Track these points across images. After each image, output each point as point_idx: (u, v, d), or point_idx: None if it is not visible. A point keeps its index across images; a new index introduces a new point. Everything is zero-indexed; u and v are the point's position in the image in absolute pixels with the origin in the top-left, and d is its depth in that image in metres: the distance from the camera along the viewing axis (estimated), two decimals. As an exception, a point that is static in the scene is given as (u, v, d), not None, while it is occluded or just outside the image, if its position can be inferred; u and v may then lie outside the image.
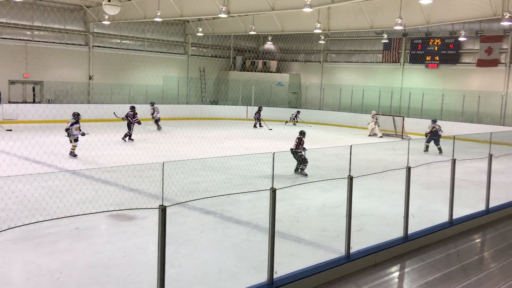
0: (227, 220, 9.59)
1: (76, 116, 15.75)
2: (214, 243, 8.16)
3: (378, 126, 25.88)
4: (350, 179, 6.45)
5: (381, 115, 27.65)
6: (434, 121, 20.74)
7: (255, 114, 28.69)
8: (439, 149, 19.66)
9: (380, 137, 25.42)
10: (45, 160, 14.22)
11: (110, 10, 17.63)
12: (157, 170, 12.62)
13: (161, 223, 4.48)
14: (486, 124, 25.90)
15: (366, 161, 13.15)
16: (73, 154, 15.30)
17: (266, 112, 30.29)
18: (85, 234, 8.24)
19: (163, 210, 4.43)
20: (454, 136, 9.22)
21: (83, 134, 15.57)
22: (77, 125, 15.53)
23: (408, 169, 7.57)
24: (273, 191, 5.52)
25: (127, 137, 19.63)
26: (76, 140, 15.47)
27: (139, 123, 19.99)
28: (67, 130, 15.53)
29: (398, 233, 7.80)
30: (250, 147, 17.83)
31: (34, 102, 26.46)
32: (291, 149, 14.25)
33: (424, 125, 26.66)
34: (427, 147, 20.19)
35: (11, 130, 20.73)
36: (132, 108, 20.22)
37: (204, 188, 11.50)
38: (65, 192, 9.76)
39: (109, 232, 8.62)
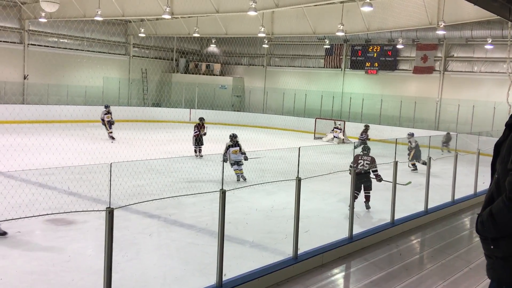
0: (172, 224, 9.42)
1: (234, 138, 14.39)
2: (158, 247, 7.98)
3: (344, 135, 26.34)
4: (299, 180, 6.48)
5: (323, 119, 28.28)
6: (411, 135, 17.68)
7: (362, 134, 23.18)
8: (424, 163, 16.03)
9: (327, 141, 26.04)
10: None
11: (48, 7, 16.86)
12: (96, 172, 12.24)
13: (109, 226, 4.30)
14: (422, 128, 26.98)
15: (310, 164, 13.32)
16: (244, 178, 13.69)
17: (209, 115, 30.10)
18: (21, 239, 7.82)
19: (110, 212, 4.25)
20: (396, 139, 9.52)
21: (246, 158, 13.80)
22: (236, 148, 13.95)
23: (354, 170, 7.72)
24: (223, 193, 5.45)
25: (199, 152, 17.83)
26: (240, 164, 13.80)
27: (203, 134, 18.02)
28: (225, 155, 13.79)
29: (342, 234, 7.93)
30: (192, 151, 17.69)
31: (-37, 101, 24.99)
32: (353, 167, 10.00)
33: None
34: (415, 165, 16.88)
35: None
36: (200, 119, 18.24)
37: (148, 191, 11.25)
38: (-1, 195, 9.23)
39: (47, 237, 8.22)
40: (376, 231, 8.31)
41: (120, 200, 9.87)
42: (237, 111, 33.97)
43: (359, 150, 11.18)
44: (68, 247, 7.56)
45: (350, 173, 9.38)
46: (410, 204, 10.84)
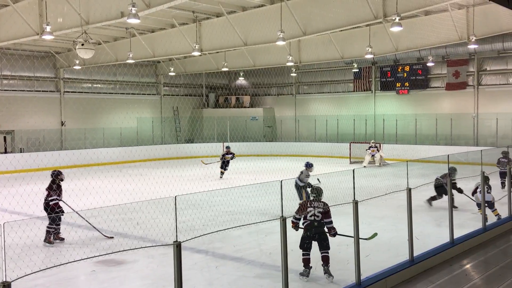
0: (220, 258, 9.28)
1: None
2: (210, 282, 7.84)
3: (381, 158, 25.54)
4: (355, 203, 6.29)
5: (357, 143, 27.93)
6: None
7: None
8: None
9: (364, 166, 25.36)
10: (25, 211, 13.59)
11: (84, 54, 17.37)
12: (137, 211, 12.19)
13: (177, 260, 4.21)
14: (460, 145, 26.33)
15: (350, 189, 13.00)
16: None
17: (242, 147, 30.12)
18: (75, 282, 7.79)
19: (178, 246, 4.16)
20: (448, 155, 9.25)
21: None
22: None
23: (409, 190, 7.49)
24: (283, 220, 5.31)
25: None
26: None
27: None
28: None
29: (402, 257, 7.61)
30: (231, 183, 17.62)
31: (5, 152, 25.69)
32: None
33: (400, 150, 26.99)
34: None
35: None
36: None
37: (193, 226, 11.15)
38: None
39: (100, 278, 8.17)
40: (437, 252, 7.97)
41: (164, 237, 9.80)
42: (270, 141, 33.96)
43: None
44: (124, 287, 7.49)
45: (293, 227, 7.58)
46: (461, 222, 10.43)
